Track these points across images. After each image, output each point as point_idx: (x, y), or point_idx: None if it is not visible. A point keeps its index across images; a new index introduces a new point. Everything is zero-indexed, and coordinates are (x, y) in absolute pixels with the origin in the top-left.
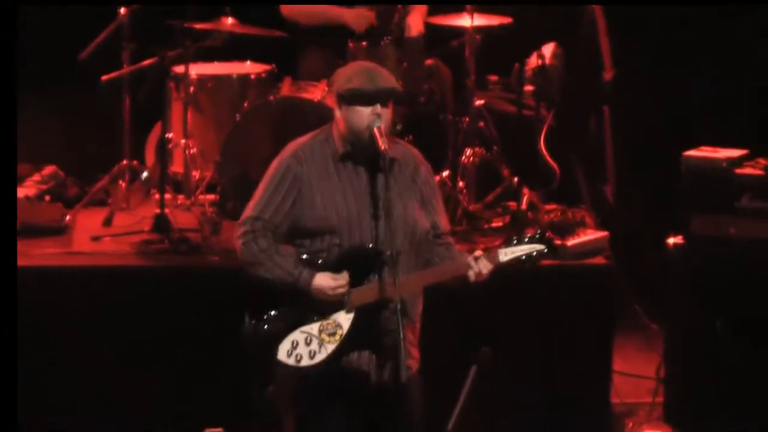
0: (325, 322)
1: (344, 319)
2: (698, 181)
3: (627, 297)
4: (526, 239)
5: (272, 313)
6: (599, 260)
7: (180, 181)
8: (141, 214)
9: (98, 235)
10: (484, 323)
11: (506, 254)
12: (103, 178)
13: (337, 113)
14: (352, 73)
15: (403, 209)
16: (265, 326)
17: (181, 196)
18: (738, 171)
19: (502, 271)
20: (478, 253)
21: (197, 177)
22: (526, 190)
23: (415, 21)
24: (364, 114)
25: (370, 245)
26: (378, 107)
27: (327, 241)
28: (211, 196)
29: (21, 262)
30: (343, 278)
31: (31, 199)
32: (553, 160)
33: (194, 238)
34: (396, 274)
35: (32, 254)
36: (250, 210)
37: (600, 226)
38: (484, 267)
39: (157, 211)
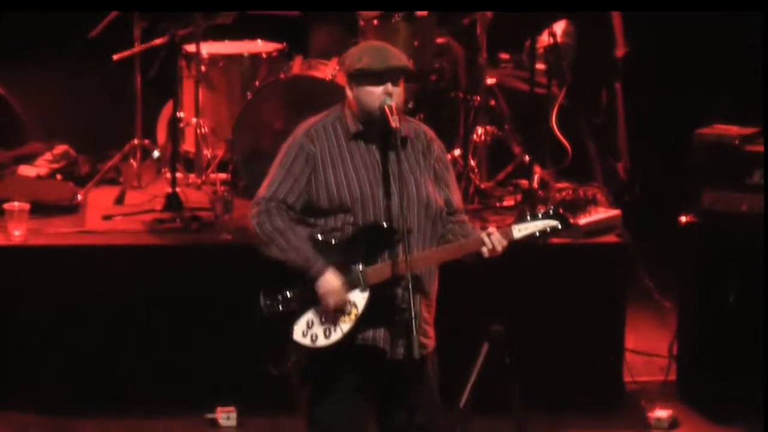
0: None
1: (359, 298)
2: (710, 158)
3: (639, 274)
4: (540, 215)
5: (287, 293)
6: (611, 238)
7: (191, 160)
8: (152, 193)
9: (110, 214)
10: (496, 301)
11: (520, 230)
12: (114, 156)
13: (349, 93)
14: (362, 53)
15: (416, 186)
16: (280, 306)
17: (192, 175)
18: (750, 148)
19: (514, 248)
20: (491, 229)
21: (209, 155)
22: (537, 168)
23: None
24: (375, 93)
25: (384, 223)
26: (389, 86)
27: (341, 219)
28: (222, 175)
29: (33, 240)
30: (346, 300)
31: (42, 178)
32: (565, 137)
33: (206, 216)
34: (409, 251)
35: (44, 233)
36: (263, 190)
37: (612, 203)
38: (498, 243)
39: (169, 189)
